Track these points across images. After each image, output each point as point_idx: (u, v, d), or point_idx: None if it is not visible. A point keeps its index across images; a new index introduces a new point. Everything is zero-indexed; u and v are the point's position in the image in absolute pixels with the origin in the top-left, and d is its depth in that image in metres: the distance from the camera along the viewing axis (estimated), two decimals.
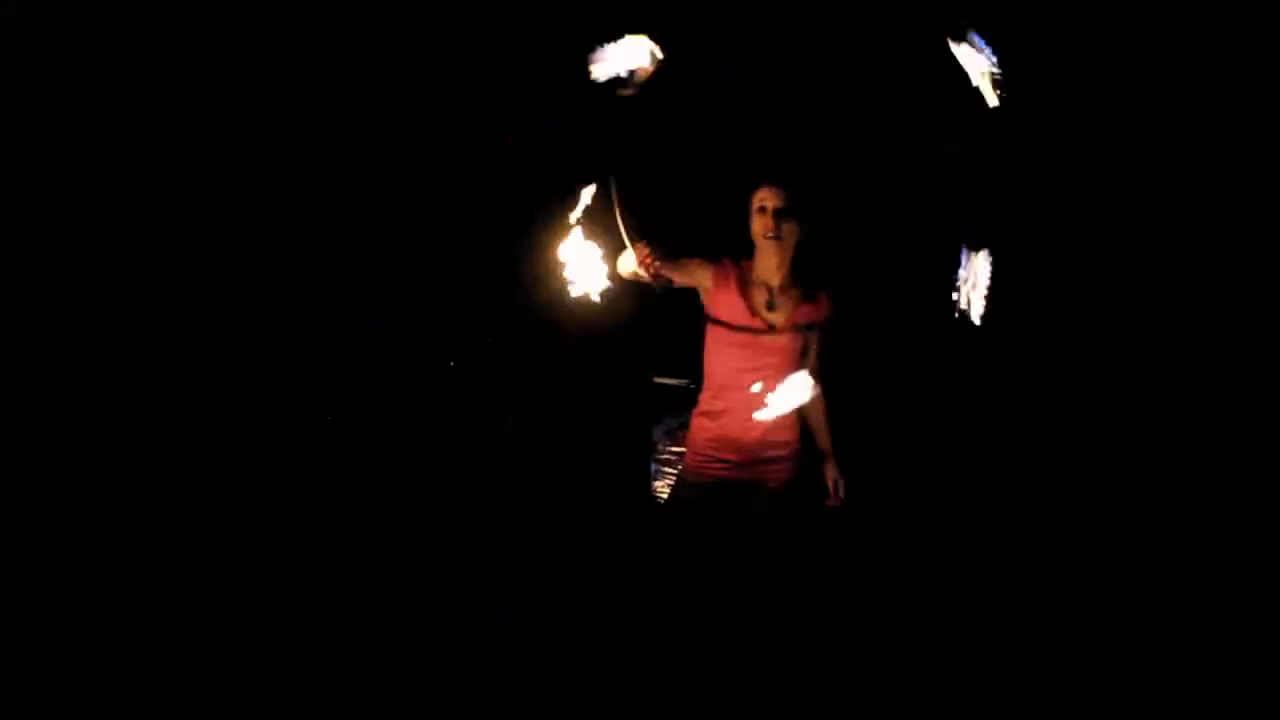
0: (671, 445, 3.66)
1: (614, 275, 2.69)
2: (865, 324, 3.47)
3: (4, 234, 3.20)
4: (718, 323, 2.84)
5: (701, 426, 2.90)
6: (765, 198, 2.81)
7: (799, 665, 2.96)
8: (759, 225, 2.82)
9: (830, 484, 2.96)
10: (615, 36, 2.49)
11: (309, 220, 3.52)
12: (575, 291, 2.61)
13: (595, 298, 2.60)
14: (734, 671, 2.86)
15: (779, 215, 2.78)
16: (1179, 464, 3.30)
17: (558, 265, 2.59)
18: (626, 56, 2.50)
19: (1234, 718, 2.81)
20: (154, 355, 3.34)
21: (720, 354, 2.85)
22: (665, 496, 3.19)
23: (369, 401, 3.58)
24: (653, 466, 3.71)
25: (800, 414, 2.88)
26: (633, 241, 2.70)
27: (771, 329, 2.82)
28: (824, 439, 2.97)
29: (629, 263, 2.73)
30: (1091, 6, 3.25)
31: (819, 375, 2.96)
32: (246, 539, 3.26)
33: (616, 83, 2.52)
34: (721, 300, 2.82)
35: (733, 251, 2.86)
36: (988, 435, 3.42)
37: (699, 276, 2.83)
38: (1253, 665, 2.91)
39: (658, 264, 2.71)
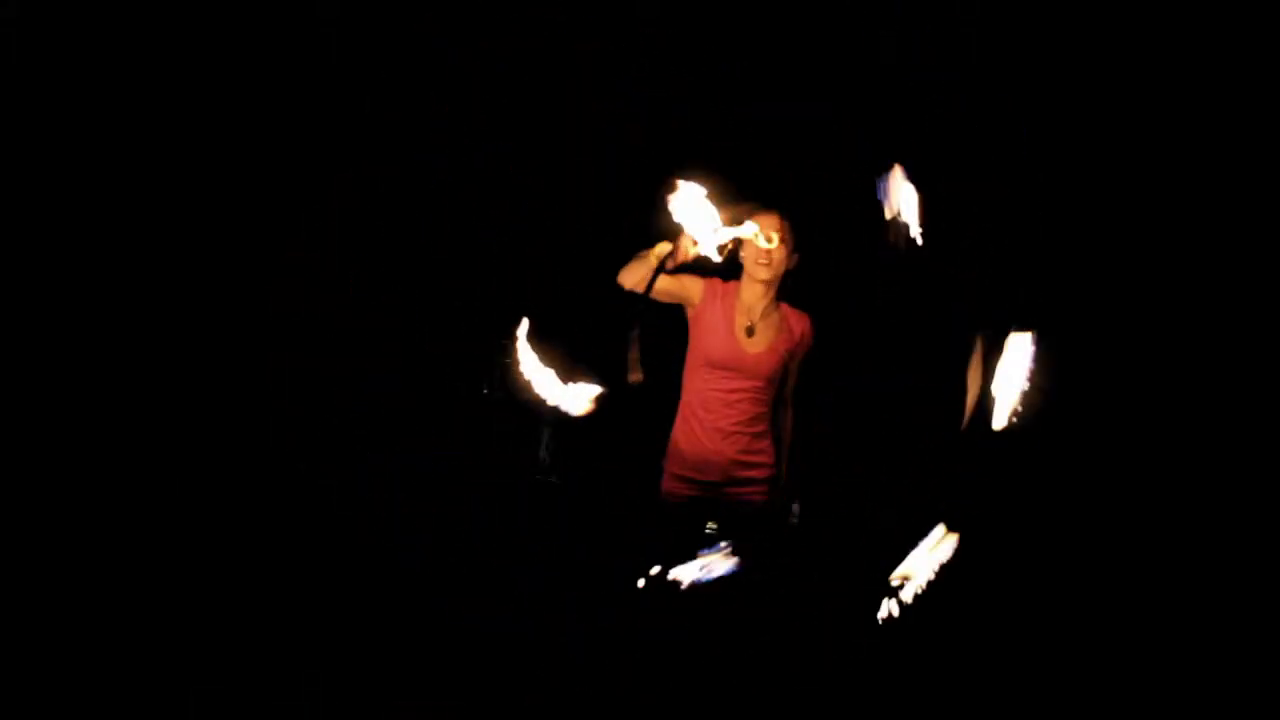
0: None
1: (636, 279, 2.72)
2: (865, 325, 3.47)
3: (3, 234, 3.20)
4: (698, 345, 2.87)
5: (675, 445, 2.93)
6: (759, 223, 2.84)
7: (798, 665, 2.96)
8: (749, 250, 2.83)
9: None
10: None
11: (309, 220, 3.52)
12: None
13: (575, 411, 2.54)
14: (734, 671, 2.86)
15: (770, 242, 2.80)
16: (1180, 464, 3.30)
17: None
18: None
19: (1234, 718, 2.81)
20: (154, 355, 3.34)
21: (697, 375, 2.88)
22: (652, 514, 3.20)
23: (369, 401, 3.57)
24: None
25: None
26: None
27: (748, 356, 2.84)
28: (783, 465, 3.00)
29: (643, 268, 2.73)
30: (1091, 6, 3.25)
31: (791, 401, 3.00)
32: (246, 539, 3.26)
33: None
34: (705, 321, 2.85)
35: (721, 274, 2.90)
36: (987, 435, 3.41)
37: (690, 290, 2.86)
38: (1253, 666, 2.92)
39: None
